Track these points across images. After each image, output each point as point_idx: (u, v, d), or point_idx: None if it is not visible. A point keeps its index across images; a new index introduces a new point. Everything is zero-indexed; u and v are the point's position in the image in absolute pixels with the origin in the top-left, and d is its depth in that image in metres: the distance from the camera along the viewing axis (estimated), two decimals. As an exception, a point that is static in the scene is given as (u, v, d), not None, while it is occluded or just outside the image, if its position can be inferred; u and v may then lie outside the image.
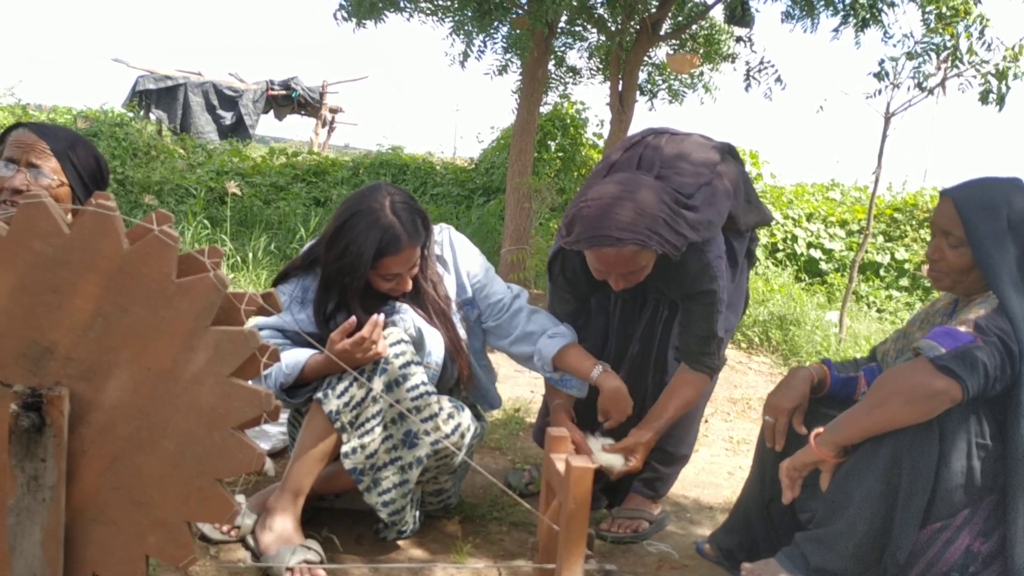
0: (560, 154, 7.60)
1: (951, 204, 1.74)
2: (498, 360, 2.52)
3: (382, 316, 1.90)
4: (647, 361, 2.30)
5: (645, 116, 13.24)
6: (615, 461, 2.09)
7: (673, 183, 1.99)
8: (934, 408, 1.61)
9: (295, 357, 1.96)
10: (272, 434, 2.58)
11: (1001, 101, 5.09)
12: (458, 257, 2.23)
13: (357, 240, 1.95)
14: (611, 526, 2.26)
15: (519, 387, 3.62)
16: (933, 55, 5.25)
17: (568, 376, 2.22)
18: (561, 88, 7.01)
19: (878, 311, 6.53)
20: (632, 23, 5.53)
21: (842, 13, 4.90)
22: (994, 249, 1.68)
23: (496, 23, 5.17)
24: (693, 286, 2.07)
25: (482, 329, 2.26)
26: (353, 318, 1.89)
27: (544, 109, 6.89)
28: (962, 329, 1.64)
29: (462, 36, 5.23)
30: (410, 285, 2.07)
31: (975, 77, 5.18)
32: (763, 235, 7.33)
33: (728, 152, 2.23)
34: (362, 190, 2.06)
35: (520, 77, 5.74)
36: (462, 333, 2.17)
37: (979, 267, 1.70)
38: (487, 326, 2.25)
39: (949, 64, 5.25)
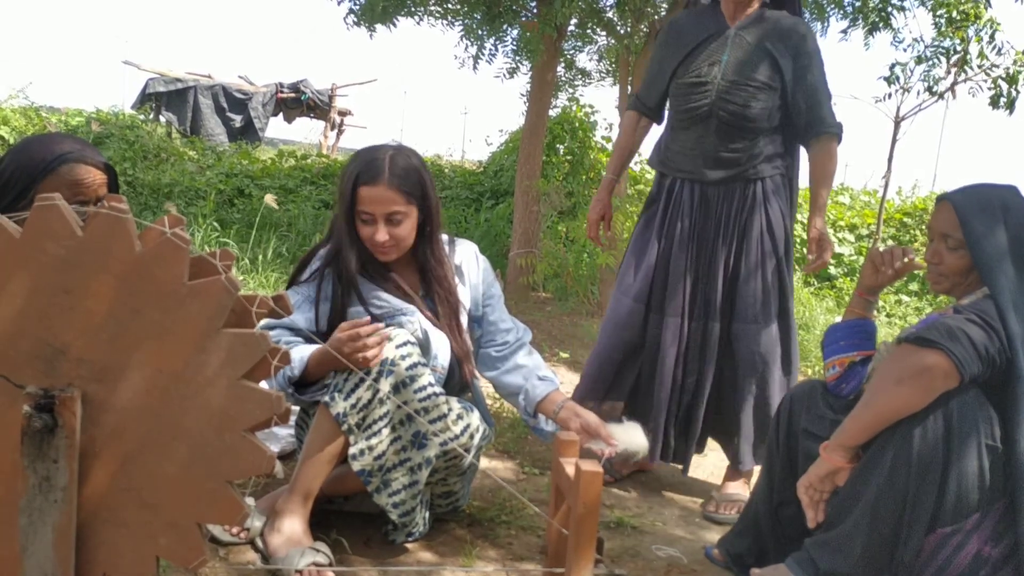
0: (569, 157, 7.59)
1: (950, 207, 1.77)
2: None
3: (390, 330, 1.90)
4: (711, 306, 2.42)
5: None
6: (637, 441, 2.05)
7: None
8: (928, 385, 1.60)
9: (302, 352, 1.96)
10: (281, 436, 2.58)
11: (1011, 105, 5.08)
12: (479, 273, 2.23)
13: (346, 170, 2.02)
14: (718, 509, 2.39)
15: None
16: (943, 59, 5.23)
17: (543, 420, 2.18)
18: (571, 91, 7.00)
19: (887, 316, 6.50)
20: (641, 26, 5.54)
21: (851, 16, 4.89)
22: (991, 250, 1.71)
23: (506, 26, 5.17)
24: (794, 43, 2.32)
25: (478, 351, 2.25)
26: (367, 317, 1.89)
27: (552, 112, 6.88)
28: (939, 315, 1.70)
29: (472, 40, 5.23)
30: (386, 239, 2.00)
31: (985, 81, 5.17)
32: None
33: None
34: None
35: (529, 80, 5.74)
36: (468, 340, 2.17)
37: (976, 267, 1.72)
38: (483, 351, 2.24)
39: (959, 68, 5.24)
